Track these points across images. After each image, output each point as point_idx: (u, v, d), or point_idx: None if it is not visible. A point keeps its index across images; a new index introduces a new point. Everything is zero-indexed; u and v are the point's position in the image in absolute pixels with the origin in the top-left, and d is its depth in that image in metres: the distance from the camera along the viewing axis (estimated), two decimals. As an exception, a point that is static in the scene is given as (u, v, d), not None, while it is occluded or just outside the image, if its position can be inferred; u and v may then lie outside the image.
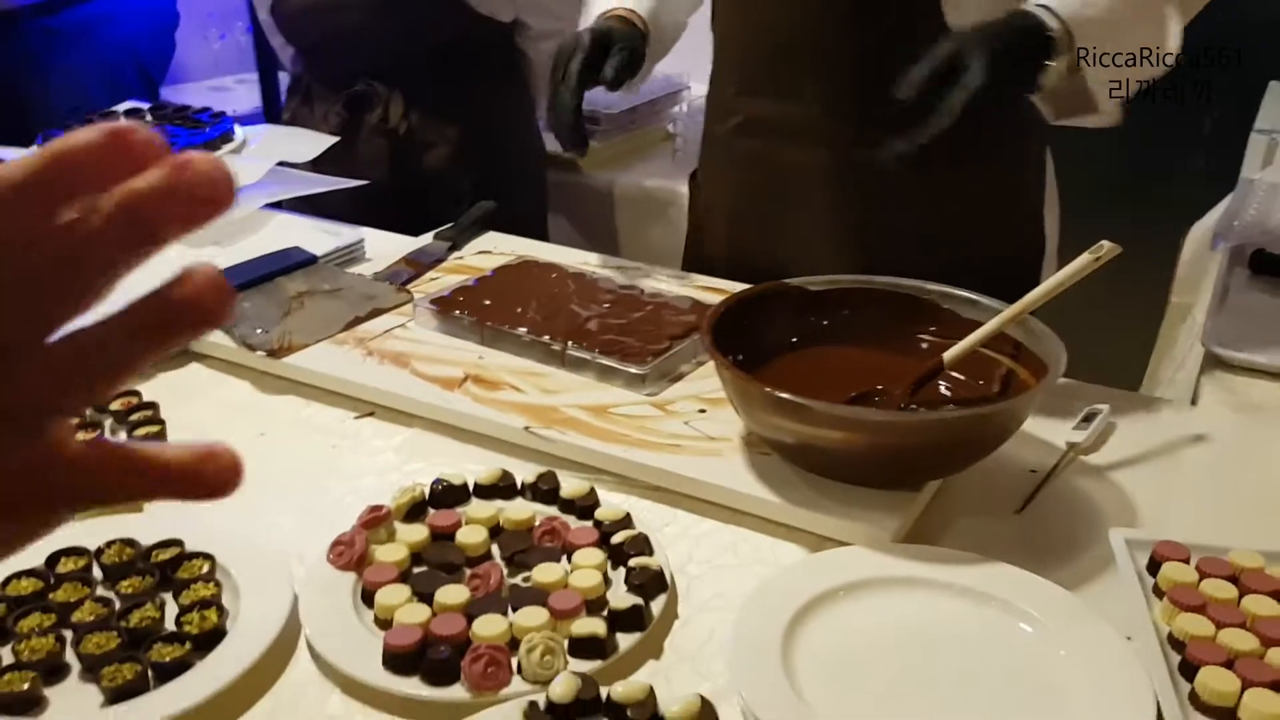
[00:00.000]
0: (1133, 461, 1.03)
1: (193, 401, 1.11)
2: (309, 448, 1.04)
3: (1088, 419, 1.07)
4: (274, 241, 1.36)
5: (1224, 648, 0.75)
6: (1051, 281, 0.99)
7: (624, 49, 1.20)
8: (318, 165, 1.56)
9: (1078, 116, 1.11)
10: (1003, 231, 1.31)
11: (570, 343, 1.12)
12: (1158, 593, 0.83)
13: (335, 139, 1.61)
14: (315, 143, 1.57)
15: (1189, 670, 0.74)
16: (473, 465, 0.97)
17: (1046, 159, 1.34)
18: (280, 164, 1.51)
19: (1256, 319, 1.31)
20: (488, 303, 1.21)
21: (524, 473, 0.95)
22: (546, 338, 1.13)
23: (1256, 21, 2.70)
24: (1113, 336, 2.09)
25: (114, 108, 1.68)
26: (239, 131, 1.59)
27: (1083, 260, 0.99)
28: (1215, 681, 0.72)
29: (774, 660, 0.75)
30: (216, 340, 1.18)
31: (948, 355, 0.99)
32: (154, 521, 0.89)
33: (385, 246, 1.43)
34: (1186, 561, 0.84)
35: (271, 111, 2.72)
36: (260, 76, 2.71)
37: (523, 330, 1.15)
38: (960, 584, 0.82)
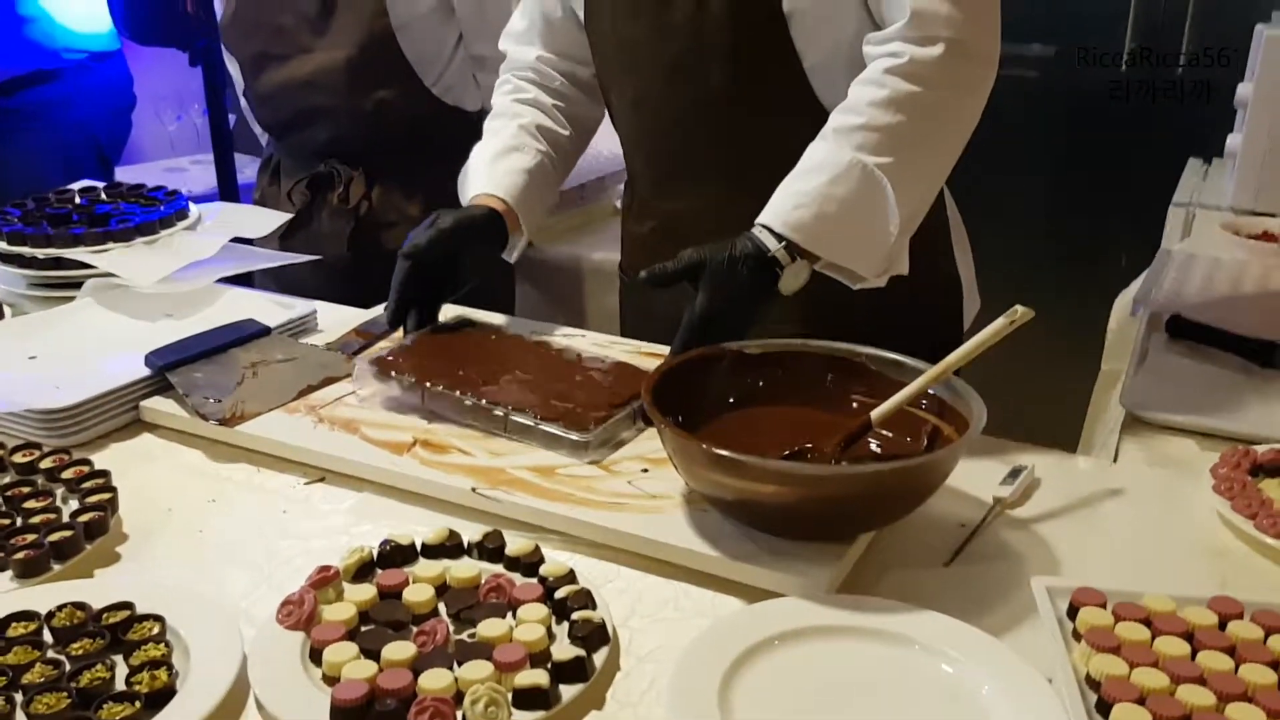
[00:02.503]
0: (1056, 514, 1.08)
1: (144, 469, 1.13)
2: (260, 512, 1.06)
3: (1014, 474, 1.12)
4: (227, 314, 1.39)
5: (1137, 686, 0.79)
6: (970, 344, 1.04)
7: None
8: (284, 242, 1.60)
9: (860, 283, 1.22)
10: (916, 275, 1.37)
11: (511, 408, 1.15)
12: (1076, 636, 0.87)
13: (289, 216, 1.65)
14: (269, 219, 1.61)
15: (1105, 708, 0.78)
16: (421, 526, 0.99)
17: (944, 198, 1.41)
18: (237, 240, 1.55)
19: (1173, 380, 1.38)
20: (427, 364, 1.23)
21: (471, 532, 0.98)
22: (485, 402, 1.16)
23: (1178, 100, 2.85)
24: (1051, 401, 2.16)
25: (69, 186, 1.71)
26: (193, 209, 1.62)
27: (998, 324, 1.05)
28: (1128, 718, 0.76)
29: (711, 708, 0.77)
30: (168, 410, 1.20)
31: (875, 413, 1.04)
32: (105, 585, 0.91)
33: (336, 317, 1.46)
34: (1103, 606, 0.89)
35: (227, 191, 2.76)
36: (216, 158, 2.75)
37: (460, 393, 1.17)
38: (889, 631, 0.86)
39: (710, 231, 1.31)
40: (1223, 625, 0.87)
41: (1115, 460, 1.23)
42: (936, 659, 0.83)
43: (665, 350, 1.32)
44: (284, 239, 1.75)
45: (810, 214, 1.16)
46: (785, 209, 1.17)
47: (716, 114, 1.31)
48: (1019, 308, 1.06)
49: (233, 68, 1.93)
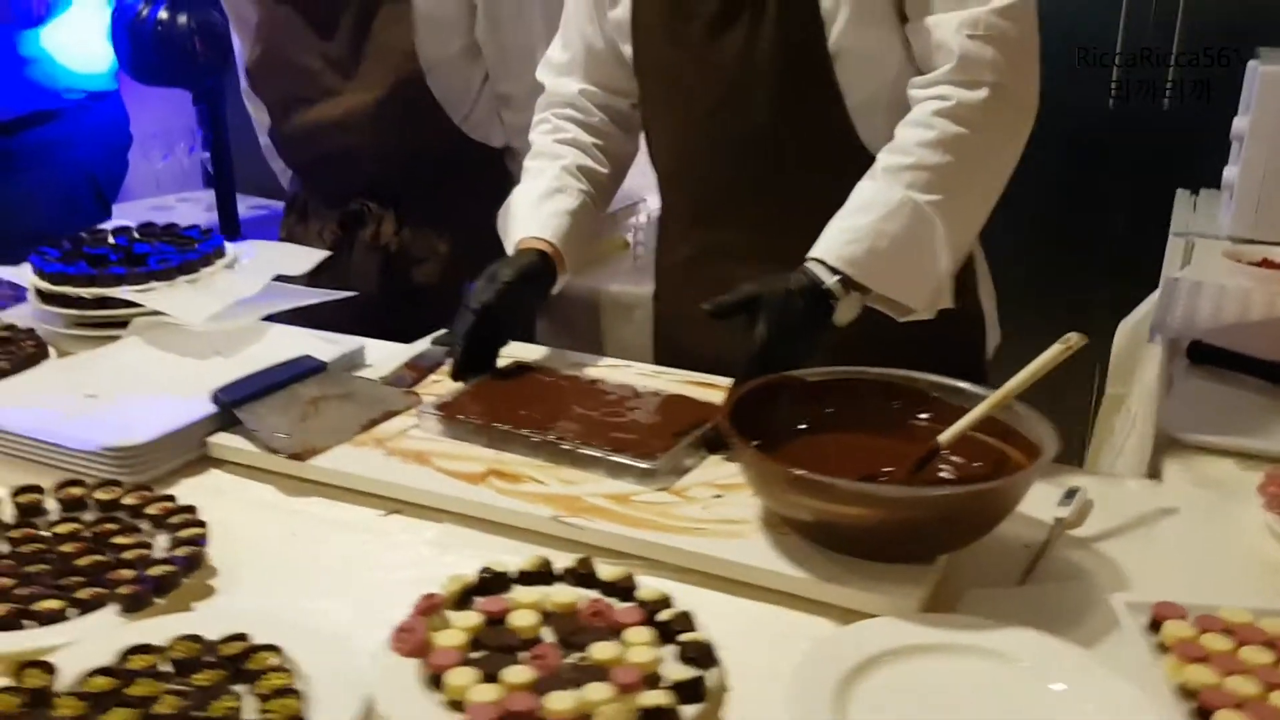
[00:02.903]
0: (1113, 534, 1.12)
1: (218, 504, 1.13)
2: (343, 545, 1.08)
3: (1069, 496, 1.16)
4: (274, 351, 1.40)
5: (1233, 693, 0.83)
6: (1029, 369, 1.08)
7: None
8: (312, 279, 1.62)
9: (907, 316, 1.27)
10: (944, 312, 1.41)
11: (579, 442, 1.17)
12: (1161, 649, 0.90)
13: (328, 254, 1.67)
14: (308, 257, 1.63)
15: (1204, 715, 0.82)
16: (503, 555, 1.01)
17: (975, 244, 1.47)
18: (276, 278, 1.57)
19: (1203, 403, 1.42)
20: (490, 406, 1.26)
21: (554, 560, 1.00)
22: (553, 437, 1.19)
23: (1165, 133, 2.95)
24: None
25: (102, 225, 1.72)
26: (229, 248, 1.63)
27: (1054, 350, 1.09)
28: (1230, 723, 0.79)
29: (824, 706, 0.80)
30: (236, 445, 1.21)
31: (943, 437, 1.08)
32: (208, 618, 0.92)
33: (380, 353, 1.48)
34: (1184, 619, 0.92)
35: (230, 228, 2.77)
36: (218, 196, 2.76)
37: (527, 431, 1.20)
38: (988, 648, 0.89)
39: (744, 262, 1.36)
40: (1301, 635, 0.91)
41: (1161, 480, 1.27)
42: (1044, 678, 0.86)
43: (712, 379, 1.36)
44: (313, 276, 1.77)
45: (863, 249, 1.21)
46: (839, 244, 1.21)
47: (759, 150, 1.35)
48: (1073, 335, 1.11)
49: (255, 109, 1.95)
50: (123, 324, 1.48)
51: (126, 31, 2.41)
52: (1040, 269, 3.05)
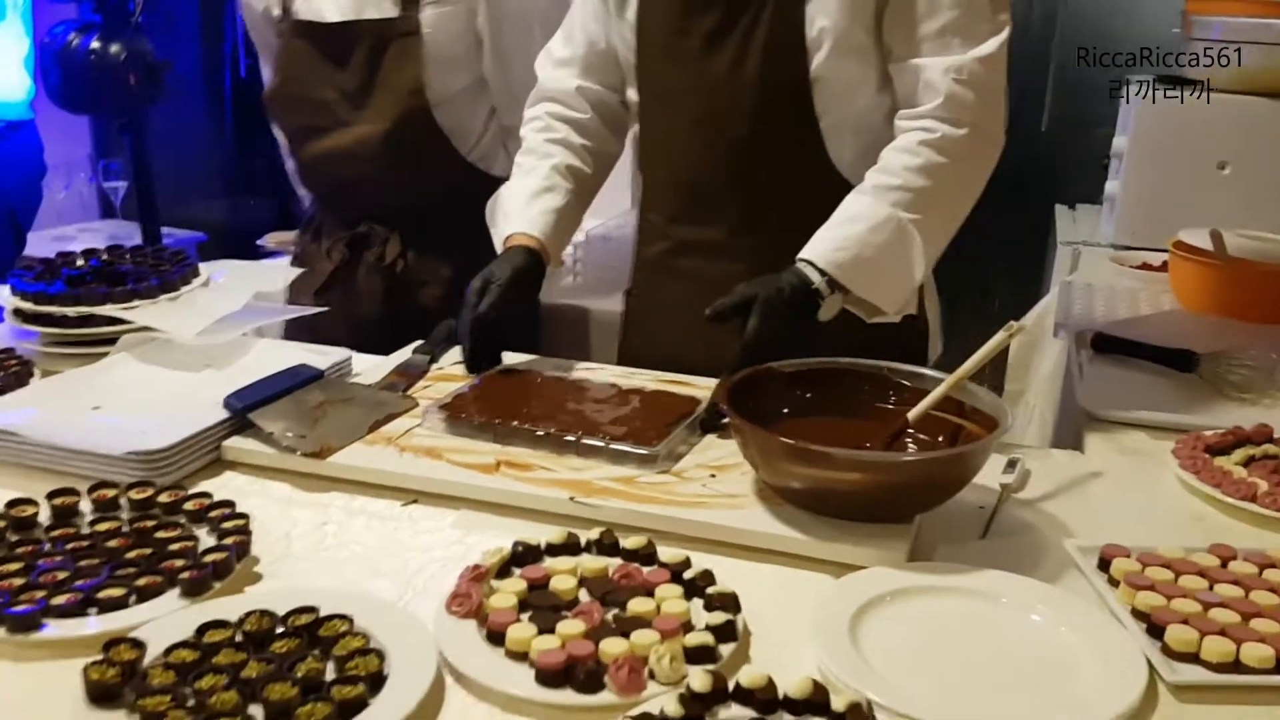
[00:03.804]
0: (1052, 495, 1.28)
1: (245, 502, 1.19)
2: (373, 532, 1.16)
3: (1011, 465, 1.31)
4: (263, 363, 1.46)
5: (1179, 611, 0.98)
6: (979, 354, 1.23)
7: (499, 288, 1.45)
8: (320, 298, 1.69)
9: (876, 317, 1.43)
10: (894, 324, 1.53)
11: (582, 433, 1.28)
12: (1112, 583, 1.06)
13: (300, 270, 1.74)
14: (281, 272, 1.70)
15: (1156, 632, 0.97)
16: (523, 535, 1.11)
17: None
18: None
19: (1112, 385, 1.61)
20: (490, 404, 1.36)
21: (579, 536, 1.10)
22: (555, 429, 1.29)
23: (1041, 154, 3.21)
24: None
25: (71, 249, 1.75)
26: (202, 268, 1.69)
27: (1000, 336, 1.25)
28: (1181, 635, 0.94)
29: (846, 644, 0.93)
30: (250, 447, 1.28)
31: (911, 414, 1.22)
32: (270, 596, 0.99)
33: (364, 364, 1.56)
34: (1129, 557, 1.08)
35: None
36: (142, 224, 2.77)
37: (530, 426, 1.30)
38: (972, 589, 1.03)
39: (715, 258, 1.50)
40: (1224, 564, 1.08)
41: (1083, 451, 1.44)
42: (1022, 610, 1.00)
43: (684, 379, 1.48)
44: (320, 293, 1.84)
45: (850, 256, 1.36)
46: (828, 249, 1.36)
47: (738, 161, 1.48)
48: (1014, 323, 1.27)
49: (279, 136, 2.03)
50: (106, 341, 1.52)
51: (55, 60, 2.41)
52: (945, 280, 3.28)
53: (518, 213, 1.54)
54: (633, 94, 1.58)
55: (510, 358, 1.55)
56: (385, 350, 1.59)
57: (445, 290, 1.90)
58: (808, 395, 1.28)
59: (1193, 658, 0.94)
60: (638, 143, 1.62)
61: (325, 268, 1.81)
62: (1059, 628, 0.98)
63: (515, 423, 1.30)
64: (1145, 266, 2.28)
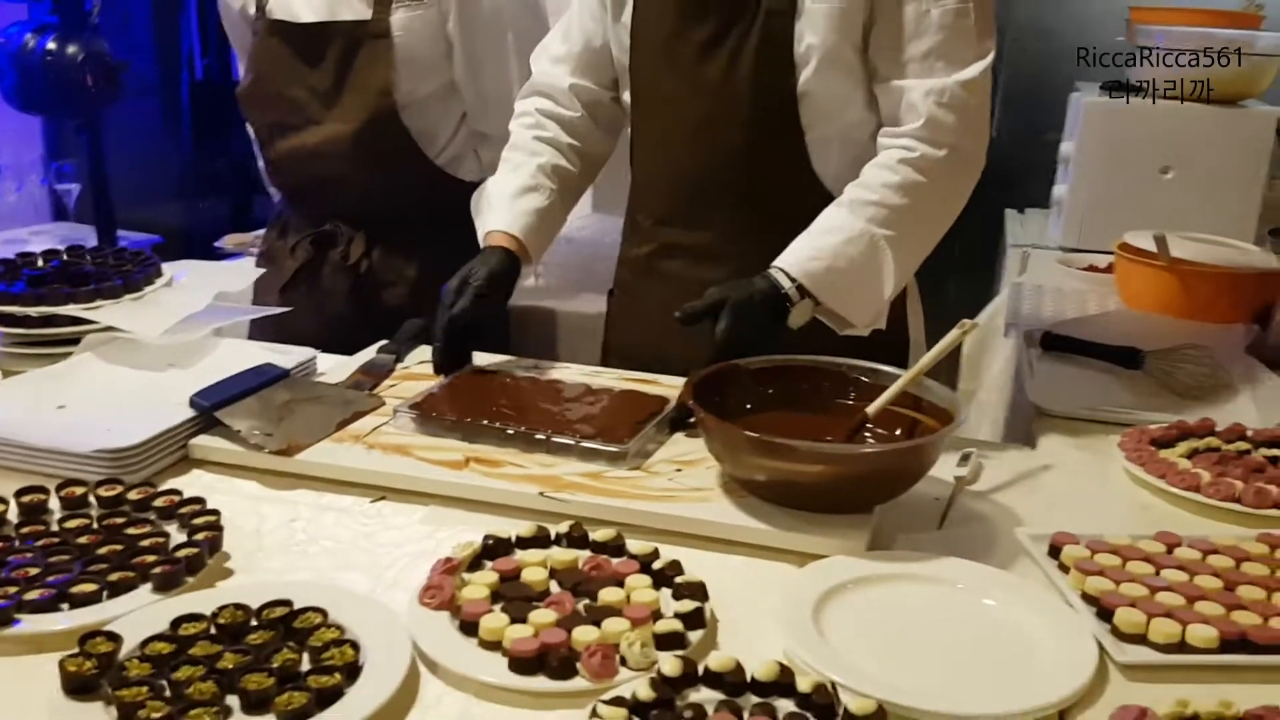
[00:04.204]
0: (1004, 487, 1.32)
1: (213, 499, 1.20)
2: (343, 528, 1.17)
3: (965, 459, 1.35)
4: (227, 362, 1.47)
5: (1126, 595, 1.02)
6: (934, 350, 1.28)
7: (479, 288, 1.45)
8: (284, 294, 1.69)
9: (846, 330, 1.46)
10: (877, 331, 1.56)
11: (551, 432, 1.30)
12: (1062, 569, 1.10)
13: (261, 270, 1.75)
14: (244, 272, 1.70)
15: (1106, 615, 1.01)
16: (491, 529, 1.12)
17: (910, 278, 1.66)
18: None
19: (1061, 382, 1.65)
20: (460, 404, 1.37)
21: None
22: (525, 428, 1.31)
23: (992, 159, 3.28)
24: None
25: (30, 249, 1.74)
26: (164, 268, 1.69)
27: (954, 333, 1.29)
28: (1129, 617, 0.98)
29: (810, 629, 0.96)
30: (217, 445, 1.29)
31: (870, 409, 1.26)
32: (242, 590, 1.00)
33: (328, 364, 1.57)
34: (1078, 544, 1.12)
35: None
36: (99, 229, 2.74)
37: (500, 424, 1.32)
38: (928, 575, 1.07)
39: (699, 261, 1.53)
40: (1169, 551, 1.12)
41: (1034, 447, 1.48)
42: (977, 595, 1.04)
43: (654, 378, 1.51)
44: (284, 291, 1.84)
45: (822, 266, 1.38)
46: (803, 258, 1.39)
47: (728, 169, 1.50)
48: (966, 321, 1.32)
49: (251, 133, 2.03)
50: (68, 341, 1.52)
51: (11, 62, 2.39)
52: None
53: (500, 210, 1.56)
54: (626, 95, 1.60)
55: (481, 358, 1.57)
56: (350, 349, 1.60)
57: (410, 290, 1.91)
58: (770, 391, 1.31)
59: (1140, 639, 0.98)
60: (629, 143, 1.64)
61: (290, 265, 1.82)
62: (1013, 611, 1.02)
63: (485, 421, 1.32)
64: (1091, 268, 2.35)
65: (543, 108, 1.64)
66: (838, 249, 1.38)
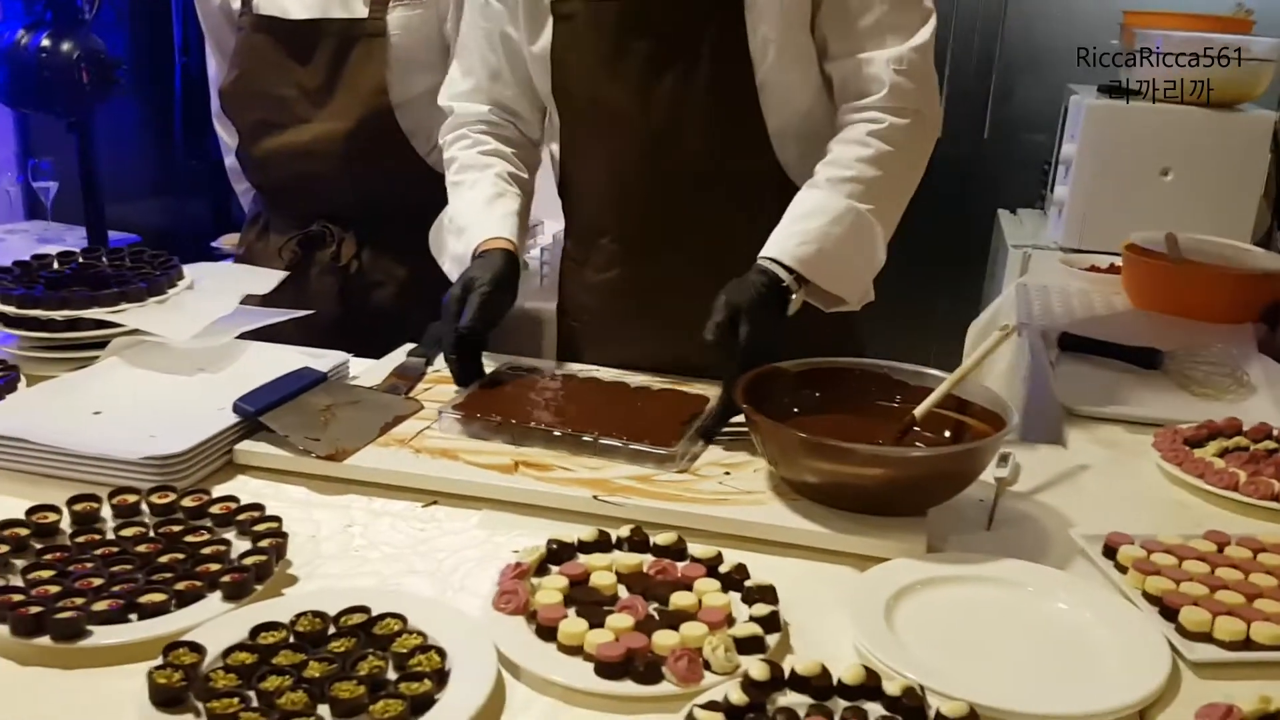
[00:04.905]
0: (1045, 488, 1.33)
1: (264, 505, 1.20)
2: (400, 532, 1.17)
3: (1004, 460, 1.37)
4: (257, 366, 1.45)
5: (1187, 595, 1.04)
6: (978, 353, 1.29)
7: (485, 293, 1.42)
8: (269, 299, 1.67)
9: (835, 307, 1.47)
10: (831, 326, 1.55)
11: (599, 433, 1.30)
12: (1119, 569, 1.11)
13: (286, 274, 1.72)
14: (270, 278, 1.68)
15: (1170, 614, 1.02)
16: (547, 534, 1.12)
17: None
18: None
19: (1086, 382, 1.68)
20: (503, 406, 1.37)
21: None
22: (572, 430, 1.31)
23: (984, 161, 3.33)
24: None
25: (47, 252, 1.71)
26: (186, 271, 1.67)
27: (995, 336, 1.31)
28: (1194, 616, 1.00)
29: (885, 632, 0.97)
30: (263, 450, 1.28)
31: (918, 411, 1.27)
32: (313, 598, 1.00)
33: (358, 368, 1.56)
34: (1133, 544, 1.14)
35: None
36: (89, 227, 2.70)
37: (547, 426, 1.31)
38: (994, 577, 1.08)
39: (674, 286, 1.52)
40: (1220, 550, 1.14)
41: (1065, 446, 1.50)
42: (1047, 597, 1.05)
43: (687, 380, 1.51)
44: (272, 295, 1.80)
45: (813, 250, 1.38)
46: (792, 245, 1.38)
47: (692, 182, 1.50)
48: (1007, 324, 1.34)
49: (225, 130, 1.99)
50: (91, 345, 1.50)
51: (4, 59, 2.35)
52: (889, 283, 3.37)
53: (480, 222, 1.52)
54: (548, 114, 1.58)
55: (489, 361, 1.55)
56: (335, 350, 1.56)
57: (400, 291, 1.90)
58: (816, 394, 1.32)
59: (1206, 637, 1.00)
60: (558, 163, 1.61)
61: (275, 267, 1.79)
62: (1082, 612, 1.03)
63: (532, 423, 1.32)
64: (1093, 269, 2.38)
65: (474, 128, 1.62)
66: (825, 230, 1.38)
